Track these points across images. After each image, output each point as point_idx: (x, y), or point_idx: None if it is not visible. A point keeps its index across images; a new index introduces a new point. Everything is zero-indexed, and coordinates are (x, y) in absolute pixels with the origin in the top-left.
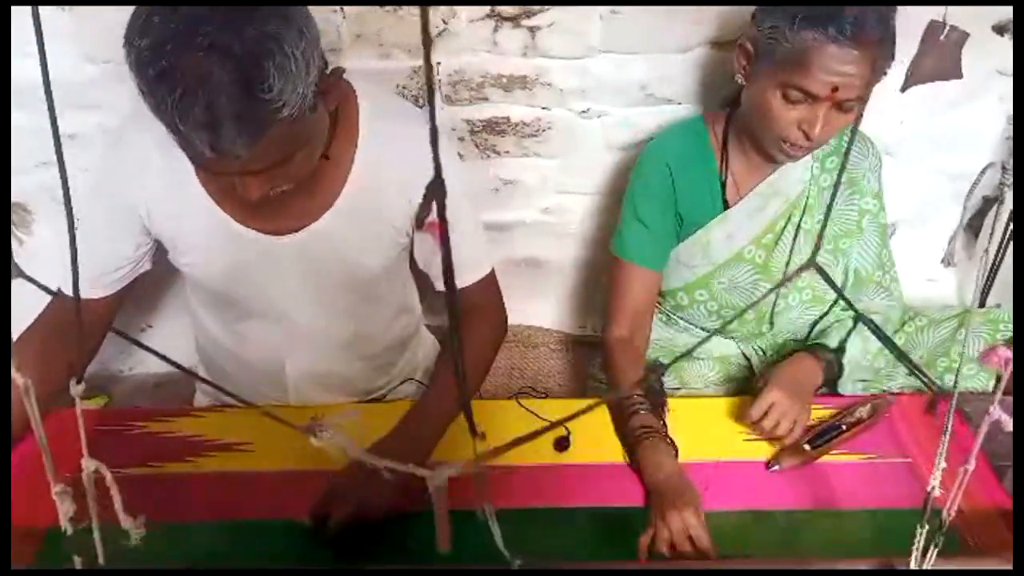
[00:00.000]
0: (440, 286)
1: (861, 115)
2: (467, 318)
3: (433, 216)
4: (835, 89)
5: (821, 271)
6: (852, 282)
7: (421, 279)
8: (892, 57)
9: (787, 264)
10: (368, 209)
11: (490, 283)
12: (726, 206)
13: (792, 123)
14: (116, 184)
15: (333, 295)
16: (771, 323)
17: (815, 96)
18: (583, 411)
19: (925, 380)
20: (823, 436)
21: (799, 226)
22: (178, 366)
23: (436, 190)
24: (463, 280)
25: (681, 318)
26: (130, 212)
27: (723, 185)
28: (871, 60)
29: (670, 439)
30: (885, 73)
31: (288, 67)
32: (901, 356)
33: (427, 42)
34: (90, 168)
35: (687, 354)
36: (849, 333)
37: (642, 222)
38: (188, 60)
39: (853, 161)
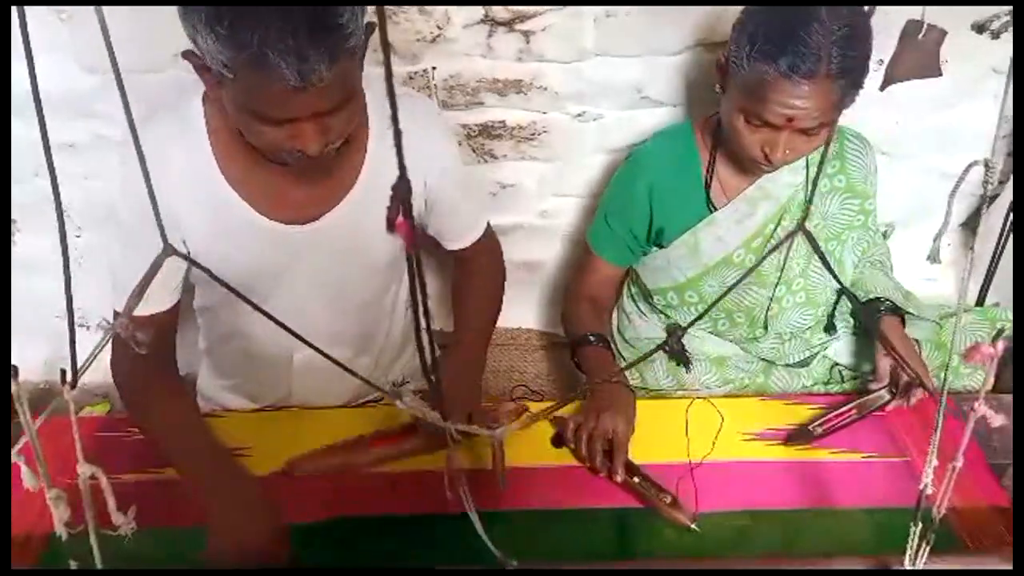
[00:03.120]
0: (448, 245)
1: (831, 138)
2: (468, 267)
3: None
4: (790, 119)
5: (809, 236)
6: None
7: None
8: (859, 83)
9: (781, 268)
10: (382, 196)
11: (488, 235)
12: (712, 210)
13: (755, 144)
14: (138, 187)
15: (345, 286)
16: (765, 327)
17: (772, 125)
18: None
19: (913, 377)
20: (834, 420)
21: (794, 231)
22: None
23: (402, 189)
24: (465, 241)
25: (674, 316)
26: (163, 212)
27: (708, 190)
28: (827, 93)
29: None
30: (854, 98)
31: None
32: (892, 351)
33: (385, 41)
34: (90, 175)
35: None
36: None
37: (610, 227)
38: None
39: (855, 168)
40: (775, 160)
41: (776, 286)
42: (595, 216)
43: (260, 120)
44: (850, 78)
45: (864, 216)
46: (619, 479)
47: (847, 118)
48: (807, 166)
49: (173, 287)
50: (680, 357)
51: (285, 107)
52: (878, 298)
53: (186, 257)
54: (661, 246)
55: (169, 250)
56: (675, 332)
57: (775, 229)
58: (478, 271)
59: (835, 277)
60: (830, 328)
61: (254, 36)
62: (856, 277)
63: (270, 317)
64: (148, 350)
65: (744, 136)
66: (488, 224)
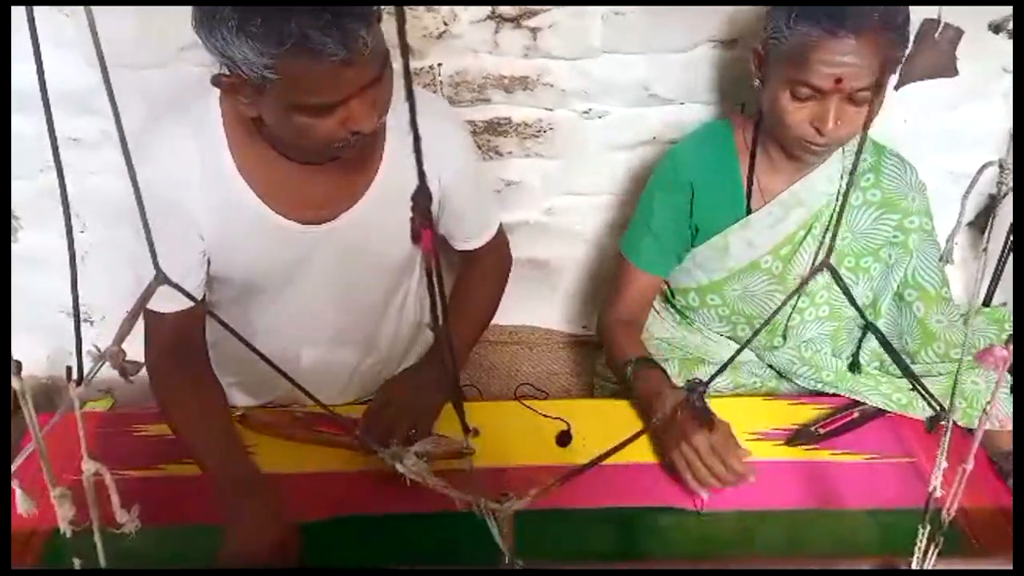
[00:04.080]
0: (457, 245)
1: (879, 107)
2: (474, 269)
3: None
4: (839, 80)
5: (833, 271)
6: (920, 302)
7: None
8: (905, 42)
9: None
10: (399, 196)
11: (499, 237)
12: (749, 212)
13: (804, 120)
14: (160, 187)
15: (356, 286)
16: (784, 336)
17: (821, 90)
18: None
19: (928, 397)
20: (836, 424)
21: (822, 240)
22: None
23: (422, 198)
24: (476, 243)
25: (693, 318)
26: (177, 208)
27: (748, 192)
28: (874, 48)
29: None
30: (900, 60)
31: None
32: (907, 372)
33: (404, 45)
34: (94, 171)
35: (726, 365)
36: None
37: (652, 231)
38: None
39: (889, 181)
40: (827, 131)
41: (799, 297)
42: (631, 226)
43: (310, 113)
44: (895, 32)
45: (904, 235)
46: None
47: None
48: (842, 175)
49: (197, 284)
50: (702, 415)
51: (334, 87)
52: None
53: (177, 287)
54: (692, 246)
55: (161, 278)
56: (696, 388)
57: (805, 236)
58: (482, 277)
59: (860, 312)
60: (855, 367)
61: (291, 23)
62: (970, 385)
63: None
64: (178, 345)
65: (791, 115)
66: (500, 226)
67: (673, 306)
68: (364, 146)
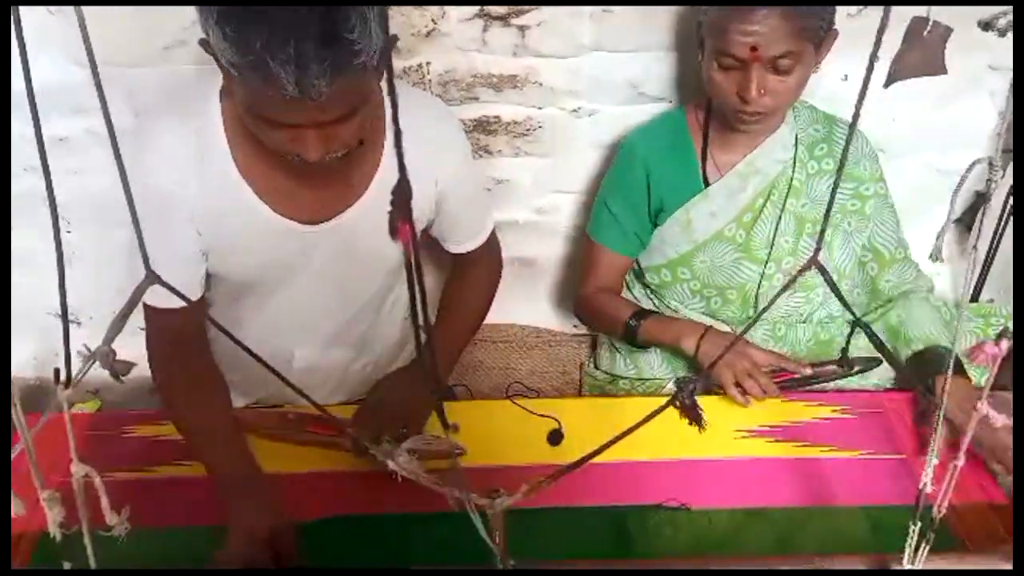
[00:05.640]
0: (451, 248)
1: (804, 80)
2: (466, 272)
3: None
4: (754, 48)
5: (823, 271)
6: (873, 263)
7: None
8: (824, 12)
9: (771, 244)
10: None
11: (491, 238)
12: (707, 185)
13: (731, 90)
14: (155, 181)
15: (350, 287)
16: (755, 307)
17: (740, 59)
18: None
19: (917, 387)
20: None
21: (783, 207)
22: None
23: (402, 193)
24: (468, 246)
25: (669, 297)
26: (175, 204)
27: (703, 166)
28: (788, 15)
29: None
30: (824, 26)
31: (368, 16)
32: (892, 361)
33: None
34: (80, 171)
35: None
36: (849, 338)
37: (612, 213)
38: (278, 7)
39: (841, 150)
40: (750, 99)
41: (766, 263)
42: (593, 209)
43: (262, 121)
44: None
45: (860, 202)
46: (809, 372)
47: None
48: (796, 144)
49: (197, 281)
50: (691, 415)
51: (285, 113)
52: (931, 348)
53: (168, 286)
54: (657, 225)
55: (152, 278)
56: (686, 386)
57: (764, 204)
58: (474, 280)
59: (847, 308)
60: (844, 363)
61: (257, 41)
62: (895, 317)
63: None
64: (178, 340)
65: (719, 85)
66: (493, 230)
67: (647, 287)
68: (362, 149)
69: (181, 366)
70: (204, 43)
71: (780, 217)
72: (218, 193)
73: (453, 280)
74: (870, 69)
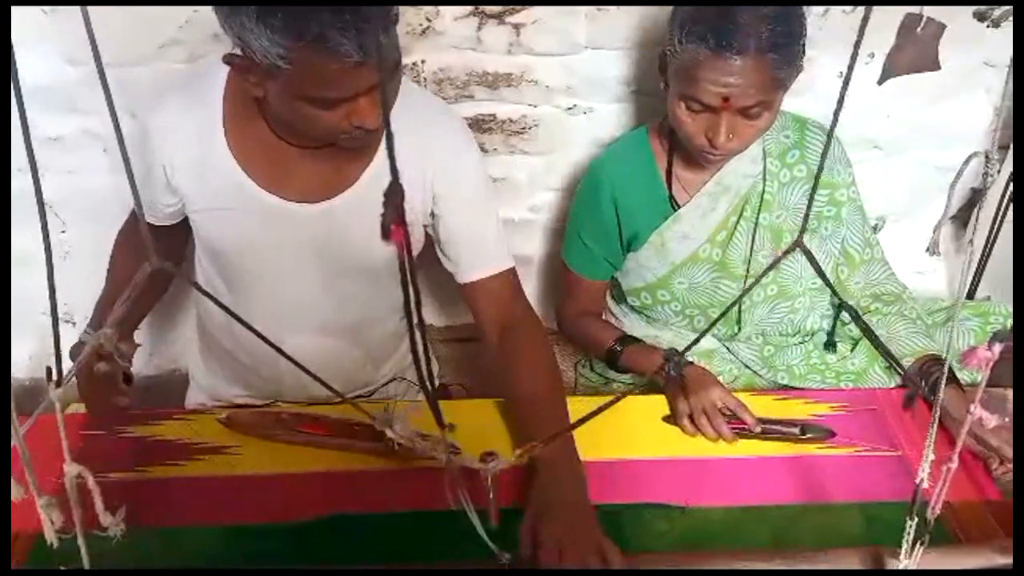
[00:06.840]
0: (461, 278)
1: (773, 119)
2: (510, 341)
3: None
4: (726, 99)
5: (807, 252)
6: (844, 266)
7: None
8: (794, 63)
9: (748, 261)
10: None
11: (512, 283)
12: (676, 208)
13: (699, 132)
14: (145, 144)
15: (343, 275)
16: (738, 323)
17: (709, 107)
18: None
19: (903, 373)
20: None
21: (757, 222)
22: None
23: (394, 194)
24: (477, 273)
25: (652, 316)
26: (154, 171)
27: (670, 189)
28: (761, 68)
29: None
30: (795, 72)
31: None
32: (879, 347)
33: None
34: (75, 170)
35: (697, 339)
36: (835, 321)
37: (585, 244)
38: None
39: (813, 155)
40: (718, 145)
41: (745, 279)
42: (566, 237)
43: (317, 105)
44: (781, 54)
45: (836, 207)
46: (759, 430)
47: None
48: (765, 156)
49: (169, 212)
50: (678, 383)
51: (344, 85)
52: (930, 359)
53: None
54: (632, 251)
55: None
56: (672, 357)
57: (738, 220)
58: (518, 351)
59: (833, 292)
60: (830, 345)
61: (311, 21)
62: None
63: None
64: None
65: (687, 125)
66: (515, 275)
67: (632, 308)
68: (366, 139)
69: (130, 248)
70: (229, 57)
71: (755, 232)
72: (203, 157)
73: (498, 364)
74: (850, 71)
